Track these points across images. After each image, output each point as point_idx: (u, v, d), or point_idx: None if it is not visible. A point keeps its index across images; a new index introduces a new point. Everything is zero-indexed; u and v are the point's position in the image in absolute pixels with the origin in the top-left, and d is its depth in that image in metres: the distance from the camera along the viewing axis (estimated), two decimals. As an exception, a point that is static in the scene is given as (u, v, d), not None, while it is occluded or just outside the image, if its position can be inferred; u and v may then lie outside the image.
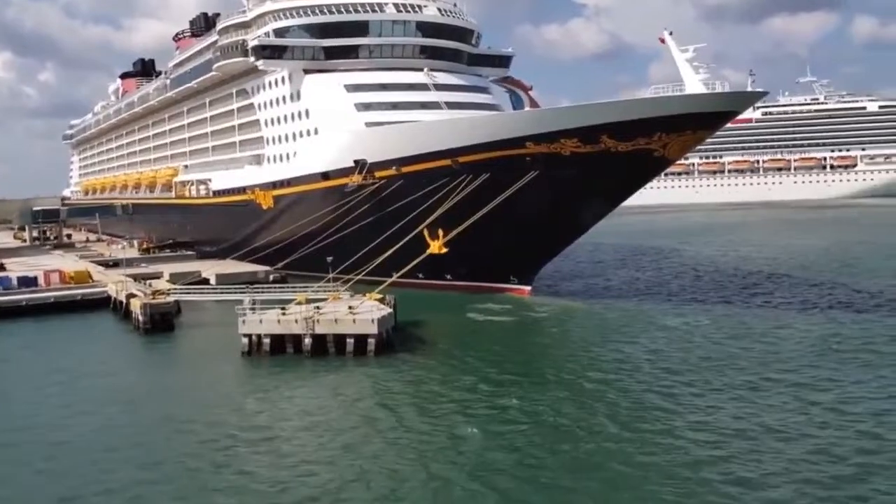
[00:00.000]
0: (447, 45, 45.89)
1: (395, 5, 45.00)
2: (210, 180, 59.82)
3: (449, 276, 40.22)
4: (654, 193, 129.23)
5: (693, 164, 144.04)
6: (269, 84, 49.20)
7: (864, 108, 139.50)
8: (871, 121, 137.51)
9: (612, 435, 18.79)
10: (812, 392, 21.64)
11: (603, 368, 25.35)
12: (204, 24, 67.10)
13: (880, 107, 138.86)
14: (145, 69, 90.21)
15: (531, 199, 34.69)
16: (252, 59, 46.74)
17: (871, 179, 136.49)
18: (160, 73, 76.58)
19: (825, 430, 18.62)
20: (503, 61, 50.31)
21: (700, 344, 27.87)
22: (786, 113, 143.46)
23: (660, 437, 18.48)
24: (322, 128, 44.22)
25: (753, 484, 15.66)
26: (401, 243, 35.16)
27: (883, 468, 16.28)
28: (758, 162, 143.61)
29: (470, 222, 34.52)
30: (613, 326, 31.63)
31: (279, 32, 45.66)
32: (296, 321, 28.36)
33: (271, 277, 44.16)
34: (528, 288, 39.25)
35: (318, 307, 29.96)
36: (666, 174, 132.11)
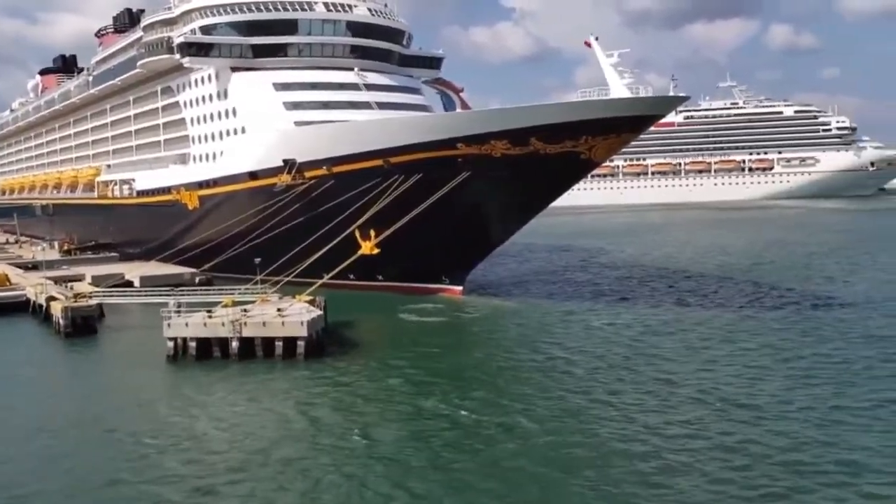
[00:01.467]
0: (378, 46, 45.84)
1: (325, 4, 44.69)
2: (134, 180, 58.13)
3: (380, 277, 40.13)
4: (582, 194, 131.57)
5: (618, 167, 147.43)
6: (195, 82, 48.16)
7: (781, 112, 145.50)
8: (787, 125, 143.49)
9: (529, 434, 19.03)
10: (728, 387, 22.42)
11: (528, 368, 25.64)
12: (128, 20, 65.26)
13: (795, 111, 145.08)
14: (66, 65, 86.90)
15: (463, 200, 35.01)
16: (178, 56, 45.72)
17: (787, 181, 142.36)
18: (82, 69, 73.99)
19: (737, 425, 19.28)
20: (434, 62, 50.56)
21: (624, 342, 28.48)
22: (706, 117, 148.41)
23: (576, 435, 18.83)
24: (250, 127, 43.54)
25: (665, 482, 16.06)
26: (331, 244, 34.94)
27: (801, 463, 16.98)
28: (680, 164, 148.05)
29: (402, 223, 34.56)
30: (542, 326, 32.14)
31: (206, 30, 44.79)
32: (222, 324, 27.81)
33: (197, 279, 43.23)
34: (460, 288, 39.55)
35: (245, 309, 29.45)
36: (593, 176, 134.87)
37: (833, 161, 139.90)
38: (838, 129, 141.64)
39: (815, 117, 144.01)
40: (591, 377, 23.88)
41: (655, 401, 21.34)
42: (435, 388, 23.45)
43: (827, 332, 28.82)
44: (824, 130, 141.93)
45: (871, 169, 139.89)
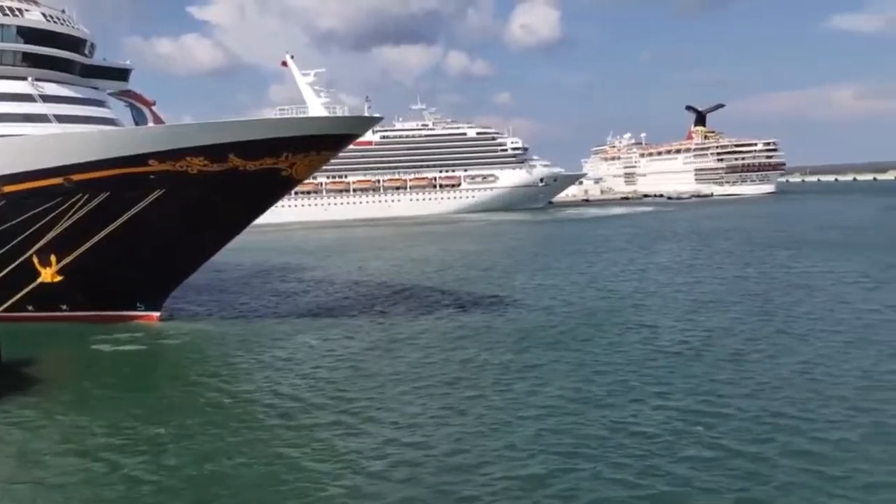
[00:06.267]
0: (56, 54, 41.68)
1: (-11, 6, 39.74)
2: None
3: (65, 307, 36.58)
4: (287, 211, 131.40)
5: (322, 184, 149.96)
6: None
7: (465, 133, 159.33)
8: (471, 145, 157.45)
9: (223, 461, 18.62)
10: (442, 398, 23.94)
11: (229, 393, 24.89)
12: None
13: (477, 133, 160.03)
14: None
15: (157, 220, 33.21)
16: None
17: (473, 196, 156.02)
18: None
19: (437, 438, 20.61)
20: (121, 74, 47.25)
21: (330, 361, 28.78)
22: (401, 137, 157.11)
23: (269, 459, 18.67)
24: None
25: None
26: (3, 272, 31.14)
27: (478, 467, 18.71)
28: (379, 181, 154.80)
29: (88, 246, 31.92)
30: (246, 349, 31.27)
31: None
32: None
33: None
34: (157, 314, 37.37)
35: None
36: (298, 192, 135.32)
37: (510, 178, 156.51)
38: (513, 149, 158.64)
39: (494, 138, 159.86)
40: (295, 398, 23.66)
41: (355, 420, 21.74)
42: (126, 422, 21.82)
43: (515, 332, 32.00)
44: (502, 150, 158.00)
45: (541, 185, 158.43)
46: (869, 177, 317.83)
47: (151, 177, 32.98)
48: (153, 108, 47.93)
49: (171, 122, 42.05)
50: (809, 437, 18.30)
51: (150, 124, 44.40)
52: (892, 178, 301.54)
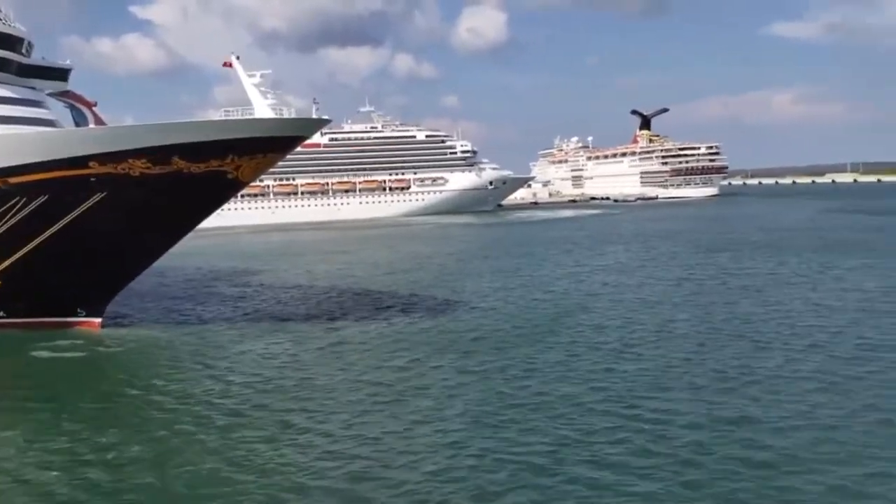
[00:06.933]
0: (-11, 53, 40.44)
1: (-84, 1, 38.34)
2: None
3: (3, 314, 35.44)
4: (234, 214, 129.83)
5: (269, 186, 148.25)
6: None
7: (414, 136, 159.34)
8: (420, 148, 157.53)
9: (157, 471, 18.18)
10: (396, 404, 23.91)
11: (171, 401, 24.33)
12: None
13: (426, 136, 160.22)
14: None
15: (98, 223, 32.42)
16: None
17: (423, 199, 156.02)
18: None
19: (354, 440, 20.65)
20: (61, 74, 45.91)
21: (274, 364, 28.50)
22: (350, 139, 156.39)
23: (204, 468, 18.40)
24: None
25: None
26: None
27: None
28: (328, 184, 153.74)
29: (26, 250, 31.01)
30: (192, 354, 30.73)
31: None
32: None
33: None
34: (99, 320, 36.42)
35: None
36: (244, 195, 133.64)
37: (460, 181, 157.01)
38: (462, 152, 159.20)
39: (443, 141, 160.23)
40: (237, 408, 23.21)
41: (291, 431, 21.51)
42: (63, 432, 21.25)
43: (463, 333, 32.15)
44: (451, 153, 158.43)
45: (490, 188, 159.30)
46: (807, 180, 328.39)
47: (92, 179, 32.16)
48: (94, 109, 46.67)
49: (112, 123, 41.09)
50: (745, 434, 18.77)
51: (92, 126, 43.23)
52: (830, 181, 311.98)
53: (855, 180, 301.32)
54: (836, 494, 15.43)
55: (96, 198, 32.33)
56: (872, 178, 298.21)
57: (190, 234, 37.41)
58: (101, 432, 21.06)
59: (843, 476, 16.12)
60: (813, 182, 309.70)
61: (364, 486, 16.70)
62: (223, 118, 34.00)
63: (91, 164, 32.06)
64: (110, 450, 19.75)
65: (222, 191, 34.92)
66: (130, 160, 31.94)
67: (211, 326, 37.07)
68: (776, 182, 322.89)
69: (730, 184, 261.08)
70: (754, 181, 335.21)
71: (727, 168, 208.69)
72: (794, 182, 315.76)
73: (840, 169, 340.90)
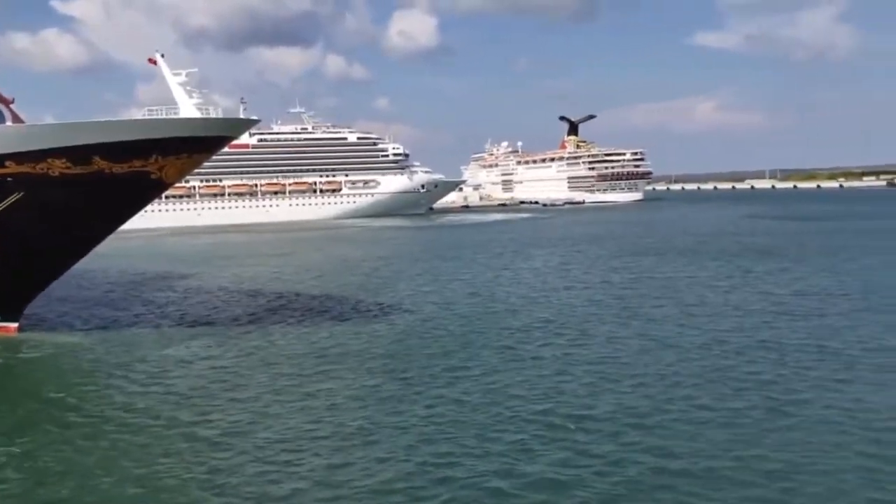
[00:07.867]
0: None
1: None
2: None
3: None
4: (157, 216, 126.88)
5: (195, 187, 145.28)
6: None
7: (346, 138, 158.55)
8: (352, 150, 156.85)
9: (73, 481, 17.77)
10: (314, 399, 23.83)
11: (89, 409, 23.64)
12: None
13: (358, 138, 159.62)
14: None
15: (15, 225, 31.31)
16: None
17: (354, 202, 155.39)
18: None
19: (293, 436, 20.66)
20: (-28, 69, 44.18)
21: (198, 371, 28.01)
22: (279, 140, 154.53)
23: (123, 479, 18.28)
24: None
25: None
26: None
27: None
28: (256, 185, 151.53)
29: (-65, 253, 29.68)
30: (113, 361, 29.82)
31: None
32: None
33: None
34: (16, 325, 35.14)
35: None
36: (168, 197, 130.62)
37: (391, 184, 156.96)
38: (394, 155, 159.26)
39: (375, 144, 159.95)
40: (157, 416, 22.67)
41: (226, 439, 21.47)
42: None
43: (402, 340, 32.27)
44: (383, 156, 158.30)
45: (422, 191, 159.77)
46: (728, 186, 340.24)
47: (8, 179, 31.05)
48: (11, 106, 44.88)
49: (31, 121, 39.54)
50: (662, 433, 19.47)
51: (8, 123, 41.61)
52: (749, 187, 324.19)
53: (773, 186, 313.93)
54: (724, 483, 16.19)
55: (12, 198, 31.21)
56: (789, 185, 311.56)
57: (112, 236, 36.40)
58: (16, 440, 20.37)
59: (734, 468, 16.94)
60: (733, 188, 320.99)
61: (284, 496, 16.68)
62: (147, 117, 33.23)
63: (7, 163, 30.94)
64: (25, 458, 19.12)
65: (146, 192, 34.13)
66: (49, 160, 30.95)
67: (133, 331, 36.12)
68: (698, 188, 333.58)
69: (654, 189, 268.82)
70: (677, 187, 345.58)
71: (651, 174, 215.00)
72: (715, 188, 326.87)
73: (759, 175, 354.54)
